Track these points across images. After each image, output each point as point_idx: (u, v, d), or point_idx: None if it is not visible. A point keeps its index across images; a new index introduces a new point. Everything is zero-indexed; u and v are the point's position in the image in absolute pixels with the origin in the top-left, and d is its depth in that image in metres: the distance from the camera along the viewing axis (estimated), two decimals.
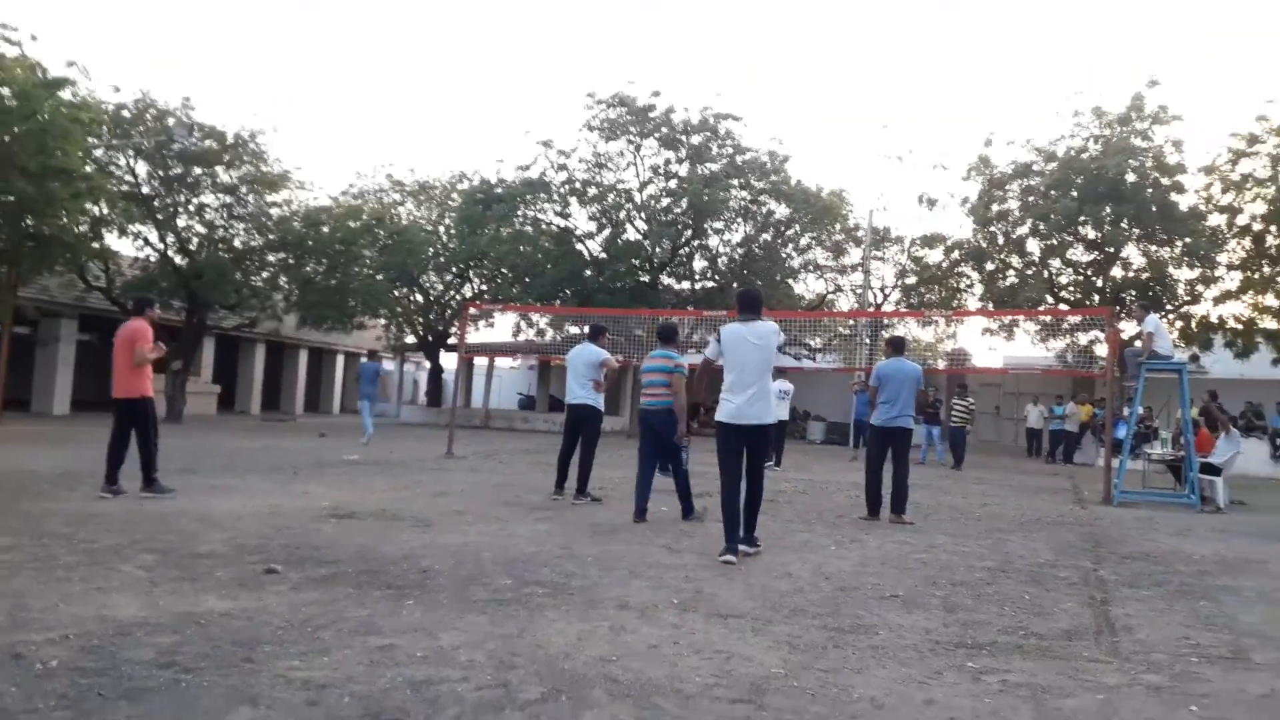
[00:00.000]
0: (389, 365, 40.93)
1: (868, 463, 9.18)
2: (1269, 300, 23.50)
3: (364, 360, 18.61)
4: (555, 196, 28.04)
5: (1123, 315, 22.69)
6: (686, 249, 28.34)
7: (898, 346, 9.53)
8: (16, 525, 6.41)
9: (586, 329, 10.42)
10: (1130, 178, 23.32)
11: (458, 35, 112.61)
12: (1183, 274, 24.64)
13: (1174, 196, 23.75)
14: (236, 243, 24.95)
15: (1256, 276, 23.43)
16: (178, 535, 6.30)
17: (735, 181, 27.20)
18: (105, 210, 20.00)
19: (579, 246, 28.38)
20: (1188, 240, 23.09)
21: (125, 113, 22.04)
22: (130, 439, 8.54)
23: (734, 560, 6.09)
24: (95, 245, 20.58)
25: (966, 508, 10.75)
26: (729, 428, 6.37)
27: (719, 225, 28.47)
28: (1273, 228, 23.00)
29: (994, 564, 6.66)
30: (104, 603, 4.36)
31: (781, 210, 28.59)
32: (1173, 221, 23.27)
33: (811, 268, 30.65)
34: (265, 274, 25.95)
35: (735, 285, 28.18)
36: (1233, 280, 24.14)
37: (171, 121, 21.51)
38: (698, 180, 26.24)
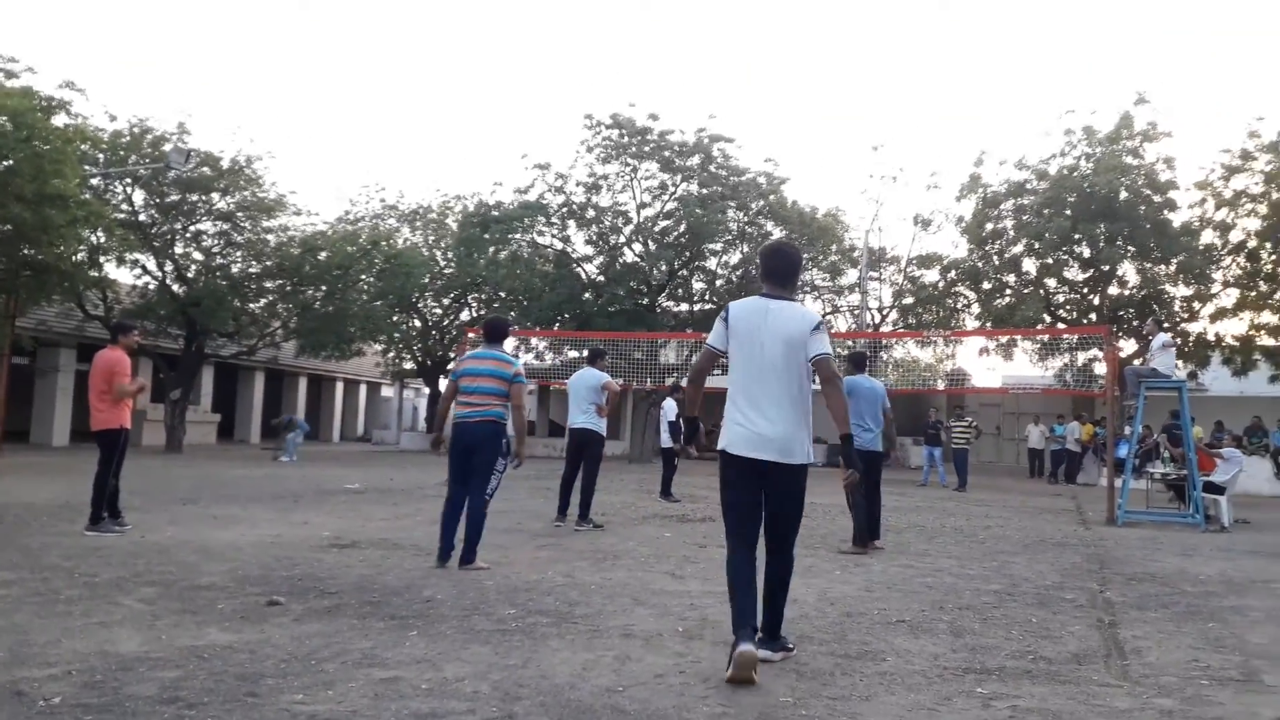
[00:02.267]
0: (387, 393, 40.89)
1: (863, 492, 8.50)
2: (1265, 317, 23.55)
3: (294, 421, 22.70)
4: (553, 219, 28.13)
5: (1120, 334, 22.70)
6: (685, 271, 28.41)
7: (858, 363, 8.99)
8: (17, 559, 6.37)
9: (586, 353, 10.37)
10: (1123, 195, 23.43)
11: (452, 58, 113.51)
12: (1179, 291, 24.72)
13: (1167, 214, 23.87)
14: (234, 270, 25.01)
15: (1253, 294, 23.50)
16: (179, 567, 6.26)
17: (732, 203, 27.30)
18: (103, 238, 20.06)
19: (577, 269, 28.45)
20: (1182, 257, 23.18)
21: (122, 139, 22.13)
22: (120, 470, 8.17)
23: (750, 649, 3.87)
24: (93, 274, 20.62)
25: (970, 530, 10.72)
26: (738, 463, 4.21)
27: (716, 247, 28.55)
28: (1267, 244, 23.09)
29: (1000, 587, 6.62)
30: (106, 637, 4.33)
31: (778, 232, 28.67)
32: (1166, 239, 23.36)
33: (809, 289, 30.69)
34: (263, 301, 26.01)
35: None
36: (1229, 297, 24.22)
37: (168, 148, 21.60)
38: (694, 202, 26.33)
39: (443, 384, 33.12)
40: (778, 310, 4.27)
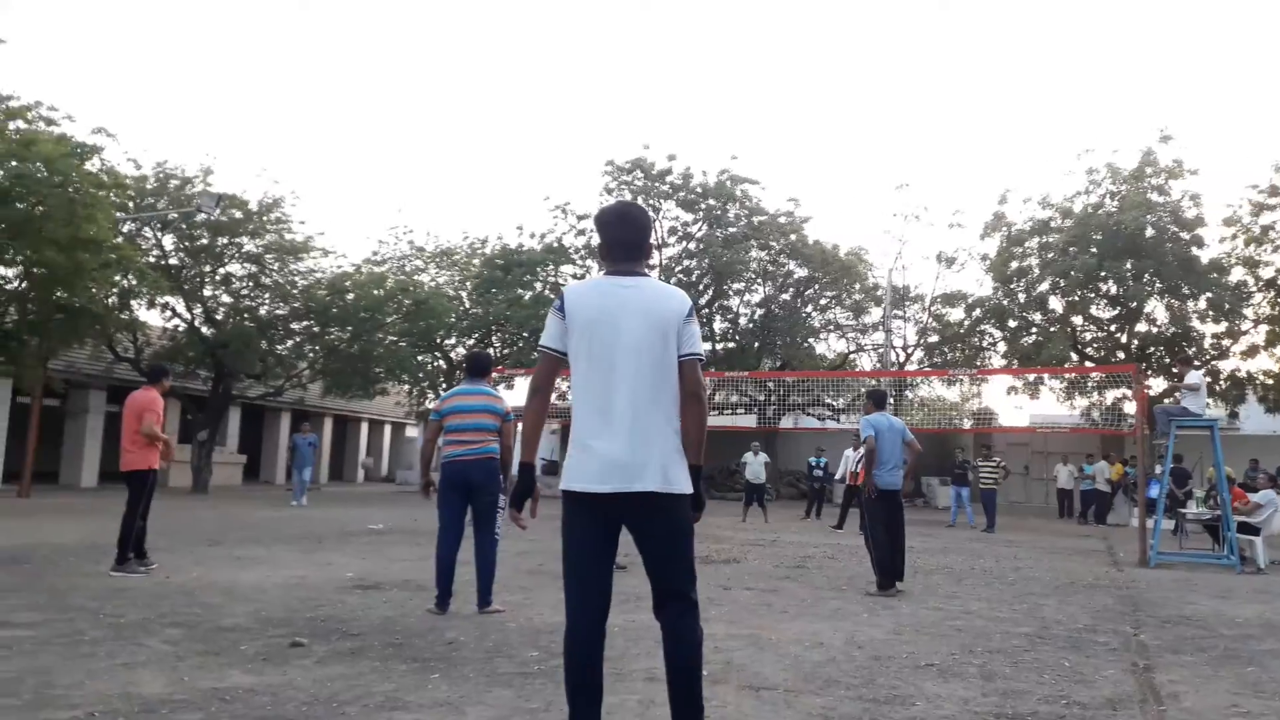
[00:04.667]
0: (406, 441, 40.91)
1: (889, 532, 8.28)
2: None
3: (302, 434, 20.09)
4: (575, 260, 28.34)
5: (1149, 372, 22.44)
6: (706, 310, 28.48)
7: (879, 401, 8.77)
8: (43, 600, 6.40)
9: None
10: (1149, 232, 23.29)
11: (479, 102, 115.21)
12: (1208, 328, 24.46)
13: (1195, 250, 23.69)
14: (262, 311, 25.30)
15: None
16: (203, 608, 6.27)
17: (754, 242, 27.43)
18: (134, 281, 20.36)
19: None
20: (1211, 294, 22.96)
21: (147, 184, 22.56)
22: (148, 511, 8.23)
23: None
24: (124, 316, 20.87)
25: (1000, 571, 10.55)
26: (585, 502, 3.12)
27: (739, 286, 28.62)
28: None
29: (1031, 630, 6.50)
30: (129, 679, 4.32)
31: (801, 270, 28.74)
32: (1195, 275, 23.18)
33: (832, 327, 30.66)
34: (290, 342, 26.24)
35: (756, 345, 28.23)
36: (1259, 334, 23.93)
37: (194, 192, 22.01)
38: (716, 242, 26.47)
39: None
40: (635, 287, 3.22)
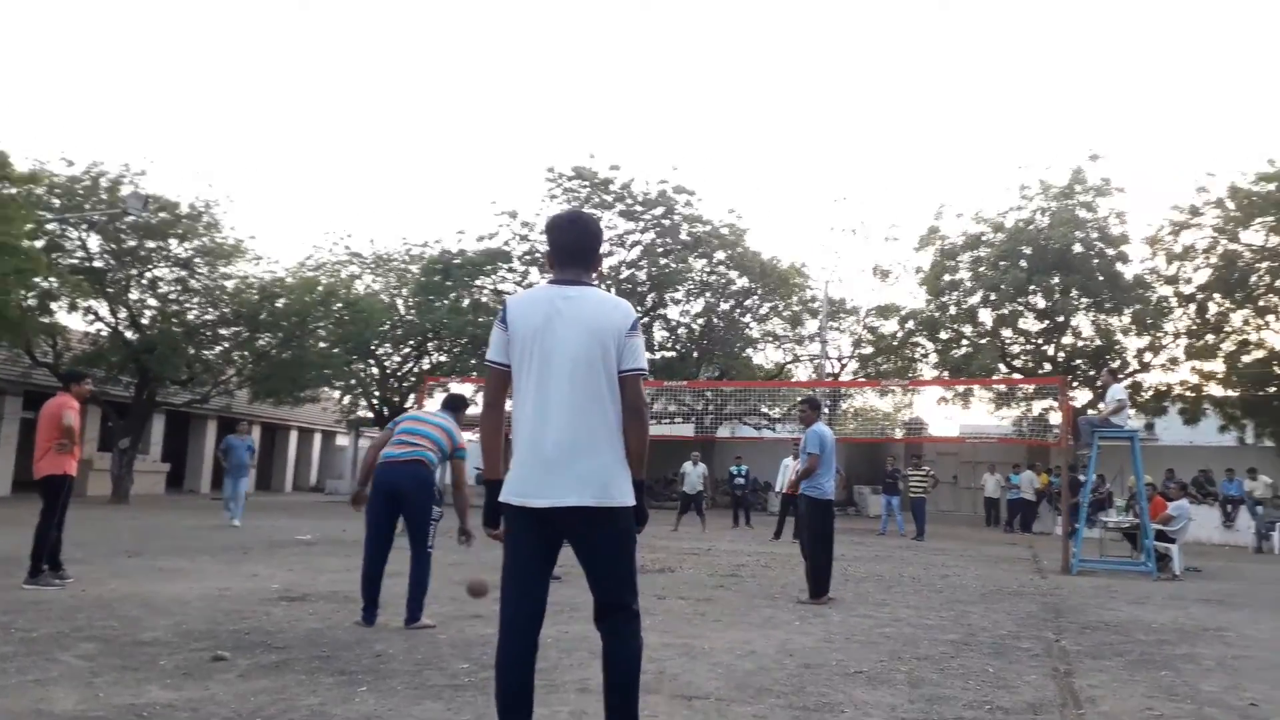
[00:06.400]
0: (345, 441, 40.18)
1: (823, 542, 8.27)
2: (1213, 368, 24.13)
3: (238, 435, 16.81)
4: (516, 267, 28.25)
5: (1074, 385, 23.10)
6: (646, 319, 28.57)
7: (818, 408, 8.85)
8: None
9: None
10: (1077, 248, 24.02)
11: (420, 105, 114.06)
12: (1131, 342, 25.27)
13: (1119, 266, 24.48)
14: (190, 316, 24.64)
15: (1200, 345, 24.09)
16: (121, 622, 6.07)
17: (694, 252, 27.66)
18: (54, 284, 19.65)
19: None
20: (1135, 309, 23.73)
21: (79, 184, 21.83)
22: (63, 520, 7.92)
23: None
24: (43, 320, 20.14)
25: (928, 579, 10.74)
26: (523, 517, 3.14)
27: (679, 296, 28.80)
28: (1216, 296, 23.73)
29: (957, 636, 6.62)
30: (41, 695, 4.17)
31: (741, 281, 29.03)
32: (1119, 291, 23.96)
33: (770, 338, 30.99)
34: (218, 348, 25.60)
35: (696, 355, 28.39)
36: (1179, 348, 24.79)
37: (125, 193, 21.32)
38: (657, 251, 26.60)
39: None
40: (578, 297, 3.16)
